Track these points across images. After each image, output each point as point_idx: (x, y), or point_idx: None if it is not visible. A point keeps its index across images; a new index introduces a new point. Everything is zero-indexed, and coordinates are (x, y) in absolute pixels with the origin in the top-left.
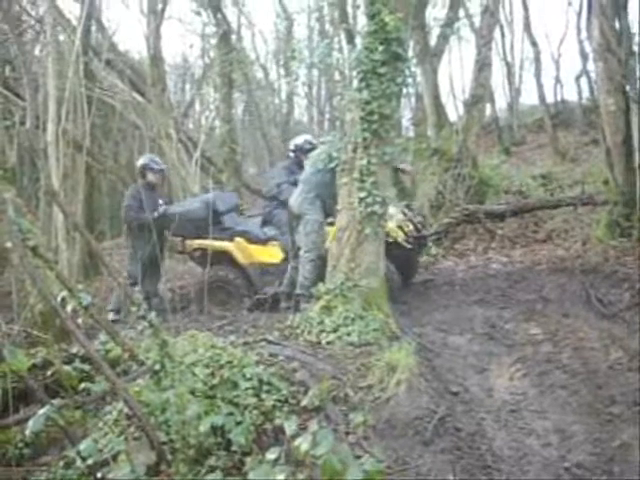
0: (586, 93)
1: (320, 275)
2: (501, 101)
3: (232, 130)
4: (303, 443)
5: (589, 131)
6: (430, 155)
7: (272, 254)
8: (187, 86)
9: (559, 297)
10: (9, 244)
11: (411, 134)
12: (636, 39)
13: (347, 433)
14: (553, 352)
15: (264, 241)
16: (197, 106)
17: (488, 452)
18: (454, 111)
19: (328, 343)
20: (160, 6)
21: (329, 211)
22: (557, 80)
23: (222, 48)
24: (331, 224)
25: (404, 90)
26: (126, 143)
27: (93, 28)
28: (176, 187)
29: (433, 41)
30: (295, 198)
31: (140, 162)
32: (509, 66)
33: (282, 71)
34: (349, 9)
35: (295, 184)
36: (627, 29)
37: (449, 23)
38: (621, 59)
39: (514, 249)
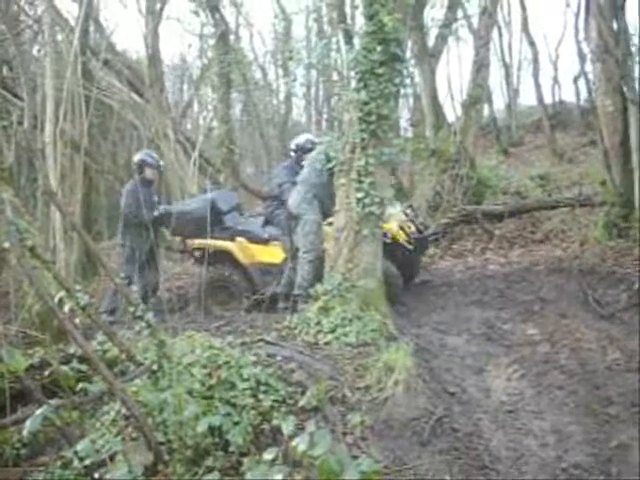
0: (584, 94)
1: (318, 276)
2: (499, 102)
3: (230, 130)
4: (300, 443)
5: (587, 132)
6: (428, 156)
7: (273, 254)
8: (185, 86)
9: (557, 298)
10: (7, 244)
11: (409, 135)
12: (634, 40)
13: (345, 433)
14: (551, 353)
15: (265, 241)
16: (195, 106)
17: (485, 452)
18: (452, 112)
19: (326, 344)
20: (158, 6)
21: (327, 212)
22: (555, 81)
23: (220, 48)
24: (330, 224)
25: (402, 90)
26: (124, 143)
27: (91, 28)
28: (174, 187)
29: (431, 42)
30: (293, 199)
31: (138, 158)
32: (507, 67)
33: (280, 71)
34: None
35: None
36: (625, 30)
37: (447, 24)
38: (619, 60)
39: (512, 250)
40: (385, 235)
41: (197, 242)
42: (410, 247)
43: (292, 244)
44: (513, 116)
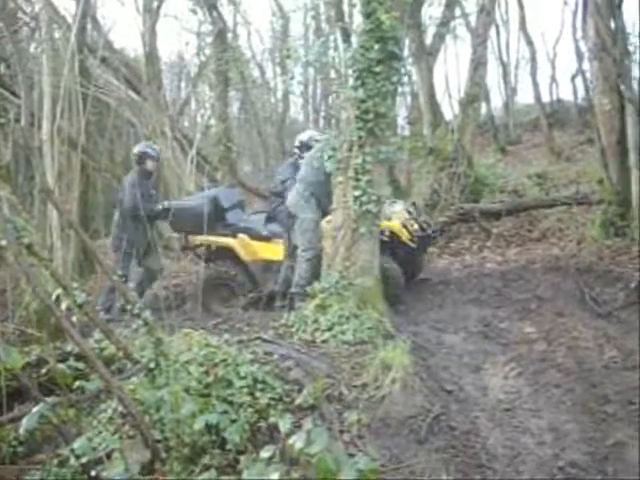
0: (581, 92)
1: (316, 274)
2: (497, 100)
3: (228, 128)
4: (297, 441)
5: (584, 130)
6: (425, 154)
7: (275, 251)
8: (182, 84)
9: (554, 296)
10: (4, 242)
11: (407, 133)
12: (631, 39)
13: (341, 432)
14: (547, 351)
15: (268, 238)
16: (193, 104)
17: (482, 451)
18: (450, 110)
19: (323, 342)
20: (156, 4)
21: (325, 210)
22: (553, 79)
23: (218, 46)
24: (329, 222)
25: (399, 89)
26: (121, 141)
27: (88, 26)
28: (172, 185)
29: (429, 40)
30: (292, 197)
31: (138, 149)
32: (505, 65)
33: (278, 69)
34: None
35: None
36: (622, 29)
37: (445, 22)
38: (616, 59)
39: (509, 248)
40: (382, 233)
41: (199, 238)
42: (413, 245)
43: (290, 242)
44: (511, 114)
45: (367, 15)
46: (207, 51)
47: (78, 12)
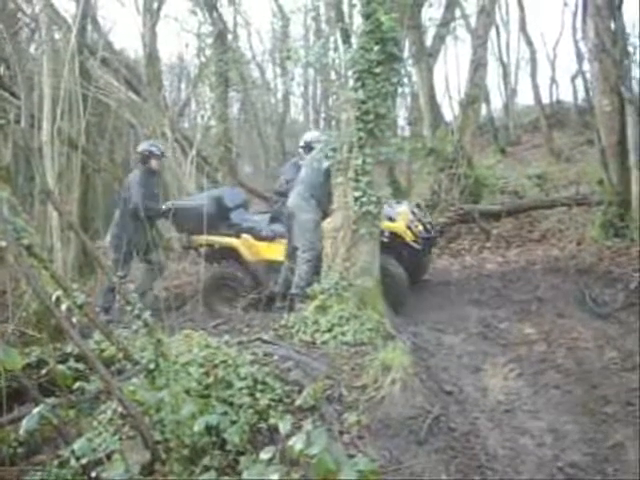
0: (581, 93)
1: (316, 274)
2: (497, 101)
3: (228, 129)
4: (297, 443)
5: (584, 131)
6: (426, 155)
7: (279, 252)
8: (183, 85)
9: (553, 297)
10: (4, 243)
11: (407, 134)
12: (631, 40)
13: (341, 432)
14: (547, 352)
15: (271, 238)
16: (193, 105)
17: (482, 452)
18: (450, 111)
19: (323, 343)
20: (156, 5)
21: (325, 211)
22: (553, 80)
23: (218, 47)
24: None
25: (399, 90)
26: (121, 142)
27: (89, 27)
28: (172, 186)
29: (429, 41)
30: (292, 197)
31: (143, 148)
32: (505, 66)
33: (278, 70)
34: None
35: None
36: (622, 30)
37: (445, 23)
38: (616, 60)
39: (509, 249)
40: (382, 234)
41: (203, 238)
42: (418, 247)
43: (290, 243)
44: (511, 115)
45: (367, 16)
46: (207, 52)
47: (78, 13)
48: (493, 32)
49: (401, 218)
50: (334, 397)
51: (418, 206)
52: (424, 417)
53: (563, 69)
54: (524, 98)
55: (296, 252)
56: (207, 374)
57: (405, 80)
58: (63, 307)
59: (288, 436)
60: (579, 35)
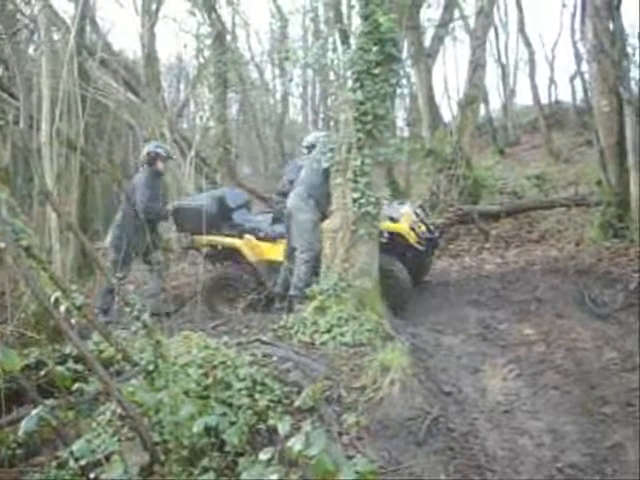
0: (580, 94)
1: (315, 274)
2: (495, 102)
3: (227, 130)
4: (296, 443)
5: (583, 132)
6: (424, 156)
7: (281, 252)
8: (181, 86)
9: (553, 298)
10: (2, 244)
11: (405, 134)
12: (629, 40)
13: (340, 433)
14: (546, 353)
15: (274, 239)
16: (192, 106)
17: (481, 452)
18: (448, 112)
19: (322, 343)
20: (154, 6)
21: (324, 211)
22: (551, 81)
23: (217, 48)
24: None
25: (398, 90)
26: (120, 143)
27: (87, 28)
28: (171, 187)
29: (428, 42)
30: (291, 198)
31: (150, 149)
32: (503, 67)
33: (277, 71)
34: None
35: None
36: (621, 31)
37: (444, 24)
38: (615, 60)
39: (508, 250)
40: (382, 234)
41: (205, 239)
42: (420, 248)
43: (289, 244)
44: (509, 116)
45: (365, 17)
46: (206, 53)
47: (77, 14)
48: (492, 33)
49: (404, 219)
50: (333, 398)
51: (421, 207)
52: (423, 418)
53: (562, 70)
54: (523, 98)
55: (295, 253)
56: (206, 375)
57: (404, 81)
58: (62, 308)
59: (287, 437)
60: (578, 36)
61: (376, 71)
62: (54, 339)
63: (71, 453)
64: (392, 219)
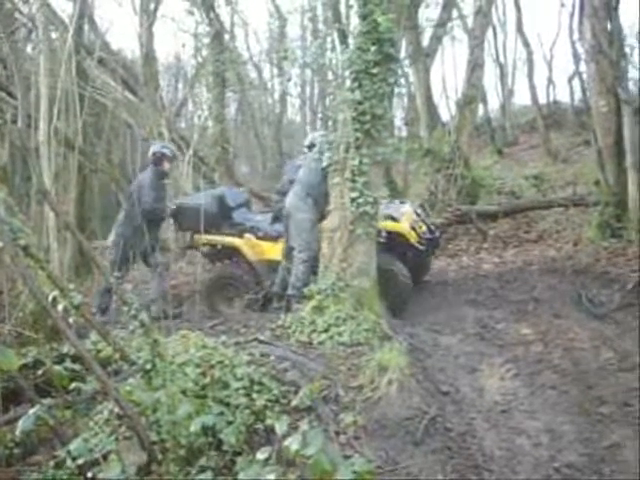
0: (578, 94)
1: (313, 274)
2: (494, 102)
3: (225, 129)
4: (293, 443)
5: (581, 132)
6: (422, 155)
7: (281, 251)
8: (180, 85)
9: (550, 297)
10: (0, 243)
11: (404, 134)
12: (627, 41)
13: (338, 433)
14: (544, 352)
15: (274, 238)
16: (190, 105)
17: (479, 452)
18: (447, 111)
19: (319, 343)
20: (152, 5)
21: (322, 211)
22: (549, 81)
23: (215, 47)
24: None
25: (396, 90)
26: (118, 142)
27: (86, 27)
28: (169, 186)
29: (426, 41)
30: (290, 197)
31: (156, 149)
32: (502, 67)
33: (275, 71)
34: (342, 9)
35: None
36: (619, 31)
37: (442, 24)
38: (613, 61)
39: (506, 250)
40: (380, 234)
41: (205, 238)
42: (421, 248)
43: (287, 243)
44: (507, 116)
45: (364, 17)
46: (204, 52)
47: (75, 13)
48: (490, 33)
49: (405, 219)
50: (331, 397)
51: (421, 207)
52: (420, 417)
53: (560, 70)
54: (521, 98)
55: (293, 252)
56: (204, 374)
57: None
58: (60, 307)
59: (284, 436)
60: (576, 36)
61: (374, 71)
62: (52, 338)
63: (68, 452)
64: (393, 218)
